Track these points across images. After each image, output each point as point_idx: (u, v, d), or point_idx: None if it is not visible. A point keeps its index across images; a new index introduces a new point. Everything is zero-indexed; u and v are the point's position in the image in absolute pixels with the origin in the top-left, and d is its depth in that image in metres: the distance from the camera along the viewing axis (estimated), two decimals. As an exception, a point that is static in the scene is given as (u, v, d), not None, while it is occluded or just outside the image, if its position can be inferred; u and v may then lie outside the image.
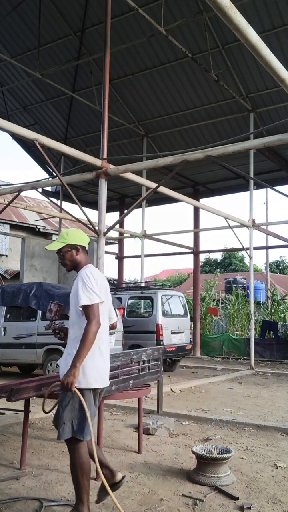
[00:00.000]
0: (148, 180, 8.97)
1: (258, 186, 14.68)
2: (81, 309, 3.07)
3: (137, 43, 11.72)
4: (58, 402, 3.12)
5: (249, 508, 3.38)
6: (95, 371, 3.09)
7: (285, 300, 18.86)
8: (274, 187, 10.98)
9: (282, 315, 17.49)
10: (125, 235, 15.05)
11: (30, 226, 20.75)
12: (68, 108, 15.08)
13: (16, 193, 8.14)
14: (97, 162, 7.22)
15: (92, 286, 3.06)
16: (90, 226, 7.19)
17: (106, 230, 7.22)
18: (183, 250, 16.50)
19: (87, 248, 3.32)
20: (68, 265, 3.28)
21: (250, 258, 12.71)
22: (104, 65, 7.56)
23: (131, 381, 4.57)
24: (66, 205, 23.03)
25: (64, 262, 3.26)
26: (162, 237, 14.27)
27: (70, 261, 3.25)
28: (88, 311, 3.03)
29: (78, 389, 3.00)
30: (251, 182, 12.72)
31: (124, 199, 18.69)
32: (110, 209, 18.73)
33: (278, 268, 39.65)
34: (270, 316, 17.79)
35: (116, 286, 15.57)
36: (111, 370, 4.26)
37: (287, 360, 14.54)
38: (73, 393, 3.00)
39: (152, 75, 12.89)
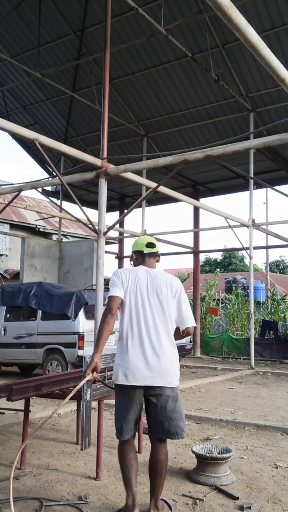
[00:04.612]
0: (148, 180, 8.96)
1: (258, 186, 14.67)
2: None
3: (137, 43, 11.71)
4: None
5: (249, 507, 3.38)
6: (121, 367, 3.15)
7: (285, 300, 18.86)
8: (274, 187, 10.97)
9: (282, 315, 17.49)
10: (125, 234, 15.05)
11: (30, 226, 20.75)
12: (68, 108, 15.07)
13: (16, 193, 8.13)
14: (97, 161, 7.22)
15: (110, 284, 3.31)
16: (90, 226, 7.18)
17: (106, 230, 7.21)
18: (183, 250, 16.50)
19: (144, 251, 3.47)
20: None
21: (250, 258, 12.71)
22: (104, 65, 7.55)
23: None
24: (66, 205, 23.05)
25: None
26: (162, 236, 14.27)
27: (134, 265, 3.51)
28: None
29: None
30: (251, 182, 12.71)
31: (124, 199, 18.68)
32: (110, 209, 18.73)
33: (278, 268, 39.70)
34: (270, 316, 17.79)
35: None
36: (111, 370, 4.27)
37: (287, 359, 14.54)
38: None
39: (152, 75, 12.88)
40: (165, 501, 3.30)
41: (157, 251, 3.50)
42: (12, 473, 2.81)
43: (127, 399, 3.16)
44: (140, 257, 3.46)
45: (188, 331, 3.36)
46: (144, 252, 3.44)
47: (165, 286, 3.29)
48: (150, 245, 3.46)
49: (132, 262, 3.56)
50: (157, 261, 3.51)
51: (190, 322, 3.35)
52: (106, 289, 12.78)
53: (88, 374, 3.18)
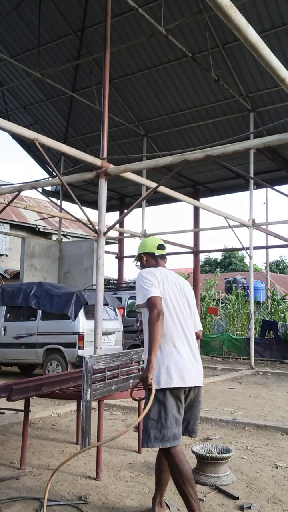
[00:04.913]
0: (148, 180, 8.96)
1: (258, 186, 14.68)
2: (143, 309, 3.10)
3: (137, 43, 11.72)
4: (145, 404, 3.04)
5: (249, 507, 3.38)
6: (175, 370, 2.98)
7: (285, 300, 18.87)
8: (274, 187, 10.98)
9: (282, 315, 17.49)
10: (125, 234, 15.06)
11: (30, 226, 20.75)
12: (68, 108, 15.08)
13: (16, 193, 8.13)
14: (97, 161, 7.21)
15: (144, 284, 3.08)
16: (90, 226, 7.18)
17: (106, 230, 7.21)
18: (183, 250, 16.50)
19: (155, 253, 3.38)
20: None
21: (250, 258, 12.71)
22: (104, 65, 7.55)
23: (131, 381, 4.57)
24: (66, 205, 23.05)
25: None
26: (162, 236, 14.24)
27: (144, 268, 3.34)
28: (147, 305, 3.02)
29: (156, 390, 2.94)
30: (251, 181, 12.72)
31: (124, 199, 18.69)
32: (110, 209, 18.75)
33: (278, 268, 39.73)
34: (270, 315, 17.80)
35: (116, 286, 15.57)
36: (111, 370, 4.27)
37: (287, 359, 14.54)
38: (150, 393, 2.91)
39: (152, 75, 12.89)
40: (164, 501, 3.30)
41: (166, 253, 3.47)
42: (49, 483, 2.79)
43: (180, 402, 3.00)
44: (152, 259, 3.39)
45: (198, 335, 3.36)
46: (156, 254, 3.40)
47: (188, 289, 3.32)
48: (161, 246, 3.41)
49: (138, 264, 3.48)
50: (165, 262, 3.47)
51: (199, 326, 3.40)
52: (106, 289, 12.79)
53: (152, 379, 2.89)
